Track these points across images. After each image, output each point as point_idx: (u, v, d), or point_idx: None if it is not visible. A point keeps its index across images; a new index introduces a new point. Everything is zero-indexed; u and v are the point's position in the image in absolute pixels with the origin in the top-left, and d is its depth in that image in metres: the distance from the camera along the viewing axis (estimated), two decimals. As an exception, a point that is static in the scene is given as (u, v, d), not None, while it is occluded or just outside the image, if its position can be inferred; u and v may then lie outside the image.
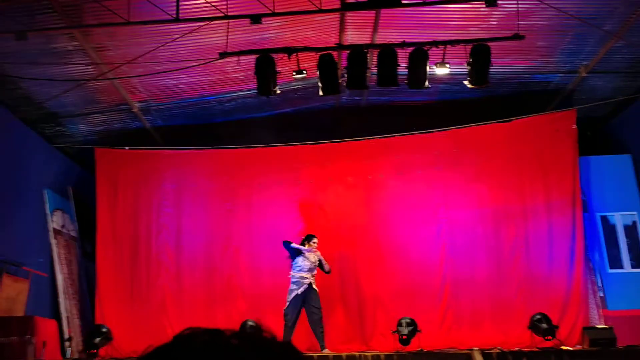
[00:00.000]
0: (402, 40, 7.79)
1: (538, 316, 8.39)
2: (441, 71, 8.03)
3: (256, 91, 8.04)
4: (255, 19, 6.94)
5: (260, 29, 7.57)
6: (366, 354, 8.12)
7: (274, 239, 9.76)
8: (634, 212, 9.82)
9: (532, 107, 9.95)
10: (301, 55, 7.73)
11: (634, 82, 9.65)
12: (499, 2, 7.06)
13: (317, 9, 7.00)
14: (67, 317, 9.64)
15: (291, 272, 8.71)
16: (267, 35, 8.07)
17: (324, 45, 7.99)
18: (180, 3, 6.90)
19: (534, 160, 9.79)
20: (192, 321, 8.46)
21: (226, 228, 10.12)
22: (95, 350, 8.43)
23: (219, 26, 7.60)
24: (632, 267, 9.63)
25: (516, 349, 8.07)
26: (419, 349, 8.16)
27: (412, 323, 8.35)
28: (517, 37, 7.47)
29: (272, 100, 9.25)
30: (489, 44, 7.61)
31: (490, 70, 7.76)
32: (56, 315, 9.44)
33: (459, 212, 9.83)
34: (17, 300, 8.52)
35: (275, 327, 8.17)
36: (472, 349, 8.04)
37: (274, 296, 9.31)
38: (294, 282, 8.60)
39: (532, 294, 9.23)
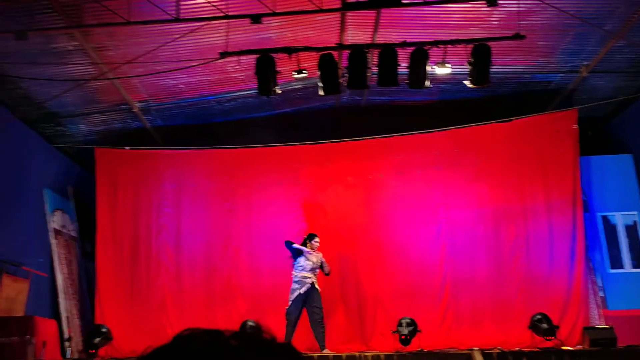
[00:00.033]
0: (402, 40, 7.79)
1: (538, 316, 8.39)
2: (442, 71, 8.03)
3: (256, 91, 8.04)
4: (256, 18, 6.93)
5: (260, 28, 7.57)
6: (366, 354, 8.12)
7: (273, 238, 9.76)
8: (635, 212, 9.82)
9: (532, 107, 9.95)
10: (301, 55, 7.73)
11: (635, 82, 9.64)
12: (500, 1, 7.06)
13: (317, 8, 6.99)
14: (67, 317, 9.64)
15: (293, 272, 8.70)
16: (268, 35, 8.07)
17: (325, 45, 7.99)
18: (181, 3, 6.90)
19: (534, 160, 9.79)
20: (192, 321, 8.47)
21: (226, 228, 10.12)
22: (95, 351, 8.43)
23: (219, 26, 7.60)
24: (633, 267, 9.63)
25: (516, 349, 8.06)
26: (419, 349, 8.16)
27: (412, 323, 8.35)
28: (517, 36, 7.47)
29: (272, 100, 9.25)
30: (489, 43, 7.61)
31: (491, 70, 7.76)
32: (56, 315, 9.44)
33: (459, 212, 9.83)
34: (17, 300, 8.51)
35: (276, 327, 8.17)
36: (472, 349, 8.04)
37: (274, 296, 9.31)
38: (296, 282, 8.60)
39: (533, 293, 9.22)
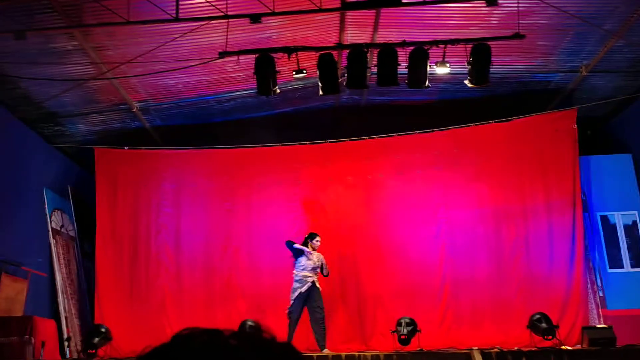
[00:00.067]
0: (402, 39, 7.79)
1: (537, 316, 8.39)
2: (441, 70, 8.03)
3: (256, 91, 8.04)
4: (255, 18, 6.93)
5: (260, 28, 7.57)
6: (365, 353, 8.11)
7: (273, 238, 9.76)
8: (634, 212, 9.82)
9: (532, 106, 9.95)
10: (301, 54, 7.72)
11: (635, 82, 9.65)
12: (500, 1, 7.06)
13: (317, 8, 6.99)
14: (66, 317, 9.63)
15: (294, 271, 8.70)
16: (267, 35, 8.07)
17: (324, 45, 7.98)
18: (180, 2, 6.89)
19: (534, 160, 9.79)
20: (192, 321, 8.46)
21: (226, 228, 10.11)
22: (94, 350, 8.42)
23: (219, 26, 7.60)
24: (632, 266, 9.63)
25: (516, 348, 8.06)
26: (418, 349, 8.15)
27: (411, 323, 8.34)
28: (517, 36, 7.47)
29: (272, 99, 9.25)
30: (489, 43, 7.61)
31: (491, 69, 7.76)
32: (55, 315, 9.44)
33: (458, 212, 9.84)
34: (16, 300, 8.51)
35: (275, 327, 8.13)
36: (471, 349, 8.03)
37: (274, 296, 9.31)
38: (297, 281, 8.60)
39: (532, 293, 9.23)
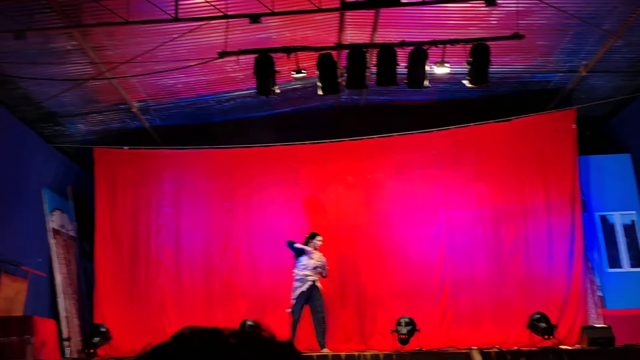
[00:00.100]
0: (401, 39, 7.79)
1: (537, 315, 8.39)
2: (440, 71, 8.03)
3: (255, 91, 8.04)
4: (255, 18, 6.93)
5: (259, 28, 7.56)
6: (365, 353, 8.12)
7: (273, 238, 9.76)
8: (633, 212, 9.83)
9: (531, 106, 9.95)
10: (300, 54, 7.73)
11: (634, 82, 9.65)
12: (499, 1, 7.06)
13: (316, 8, 6.99)
14: (66, 317, 9.63)
15: (295, 270, 8.70)
16: (267, 35, 8.07)
17: (324, 45, 7.98)
18: (179, 2, 6.89)
19: (533, 160, 9.79)
20: (192, 321, 8.41)
21: (225, 228, 10.11)
22: (93, 350, 8.42)
23: (218, 26, 7.60)
24: (631, 266, 9.64)
25: (515, 348, 8.07)
26: (418, 349, 8.16)
27: (411, 322, 8.35)
28: (516, 36, 7.48)
29: (271, 99, 9.25)
30: (488, 43, 7.61)
31: (490, 69, 7.76)
32: (55, 315, 9.43)
33: (458, 212, 9.84)
34: (16, 300, 8.51)
35: (275, 327, 8.10)
36: (471, 348, 8.04)
37: (274, 296, 9.32)
38: (297, 280, 8.60)
39: (531, 293, 9.23)
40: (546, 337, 8.17)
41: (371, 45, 8.14)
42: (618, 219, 9.84)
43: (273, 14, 6.98)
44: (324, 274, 8.73)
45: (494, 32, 7.91)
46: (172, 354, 0.84)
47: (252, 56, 7.78)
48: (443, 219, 9.84)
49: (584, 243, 9.51)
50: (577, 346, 8.33)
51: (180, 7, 6.89)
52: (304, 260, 8.67)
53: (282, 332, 8.31)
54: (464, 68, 7.88)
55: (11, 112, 9.08)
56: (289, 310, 8.51)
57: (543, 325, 8.26)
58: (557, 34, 8.40)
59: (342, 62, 8.09)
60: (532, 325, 8.37)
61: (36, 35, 7.31)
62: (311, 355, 7.84)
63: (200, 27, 7.54)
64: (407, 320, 8.37)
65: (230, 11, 7.05)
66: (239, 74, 8.93)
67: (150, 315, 9.56)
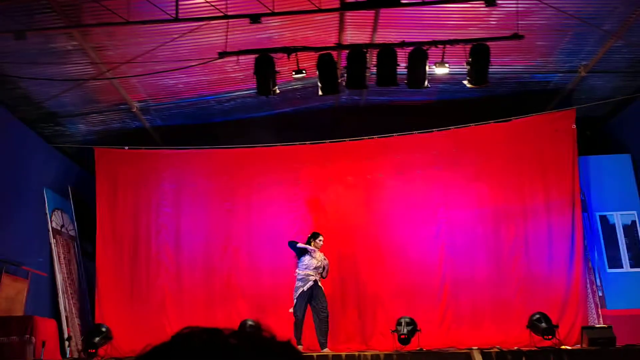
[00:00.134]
0: (401, 40, 7.79)
1: (537, 315, 8.39)
2: (440, 71, 8.03)
3: (255, 91, 8.04)
4: (255, 18, 6.94)
5: (259, 28, 7.57)
6: (365, 353, 8.12)
7: (273, 238, 9.77)
8: (633, 212, 9.83)
9: (531, 106, 9.96)
10: (300, 55, 7.73)
11: (634, 82, 9.65)
12: (498, 1, 7.06)
13: (316, 8, 7.00)
14: (67, 317, 9.64)
15: (297, 270, 8.70)
16: (267, 35, 8.07)
17: (324, 45, 7.99)
18: (180, 3, 6.89)
19: (533, 160, 9.79)
20: (192, 321, 8.42)
21: (226, 228, 10.12)
22: (94, 350, 8.42)
23: (218, 26, 7.60)
24: (631, 266, 9.64)
25: (515, 348, 8.07)
26: (418, 349, 8.16)
27: (411, 322, 8.35)
28: (516, 36, 7.47)
29: (272, 100, 9.25)
30: (488, 43, 7.61)
31: (490, 70, 7.76)
32: (55, 314, 9.44)
33: (458, 212, 9.84)
34: (17, 299, 8.52)
35: (276, 327, 8.11)
36: (471, 349, 8.04)
37: (274, 296, 9.32)
38: (299, 280, 8.60)
39: (532, 293, 9.23)
40: (546, 337, 8.16)
41: (371, 45, 8.15)
42: (618, 219, 9.84)
43: (273, 14, 6.98)
44: (323, 275, 8.74)
45: (493, 32, 7.91)
46: (172, 354, 0.84)
47: (253, 56, 7.78)
48: (443, 219, 9.84)
49: (584, 243, 9.51)
50: (578, 346, 8.33)
51: (180, 7, 6.90)
52: (306, 260, 8.67)
53: (282, 332, 8.31)
54: (464, 68, 7.88)
55: (11, 112, 9.09)
56: (292, 310, 8.51)
57: (543, 325, 8.26)
58: (557, 34, 8.40)
59: (342, 63, 8.09)
60: (533, 325, 8.37)
61: (36, 35, 7.31)
62: (312, 355, 7.84)
63: (200, 27, 7.54)
64: (407, 320, 8.37)
65: (231, 11, 7.05)
66: (239, 74, 8.94)
67: (150, 315, 9.57)
